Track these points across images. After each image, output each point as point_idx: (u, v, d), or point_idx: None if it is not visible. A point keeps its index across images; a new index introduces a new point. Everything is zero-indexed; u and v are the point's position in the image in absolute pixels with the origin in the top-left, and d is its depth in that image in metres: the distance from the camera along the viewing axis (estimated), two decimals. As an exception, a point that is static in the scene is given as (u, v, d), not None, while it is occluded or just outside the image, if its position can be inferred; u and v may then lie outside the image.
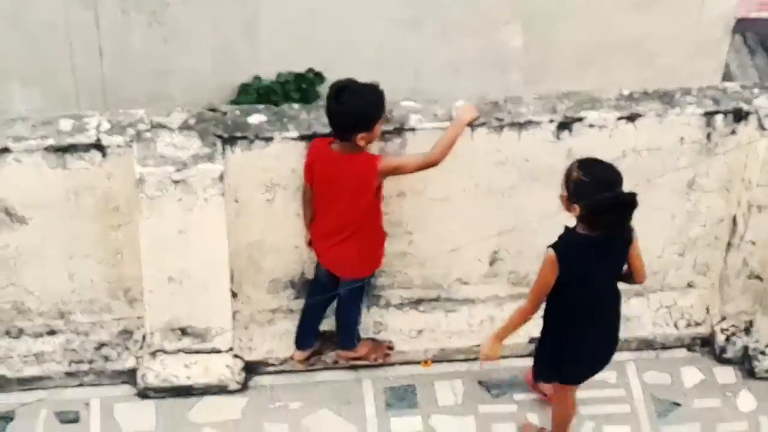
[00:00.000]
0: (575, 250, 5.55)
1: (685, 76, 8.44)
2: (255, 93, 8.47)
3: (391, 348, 6.55)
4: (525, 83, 8.54)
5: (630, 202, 5.43)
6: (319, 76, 8.52)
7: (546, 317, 5.82)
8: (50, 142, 5.93)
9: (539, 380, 6.33)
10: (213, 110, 6.15)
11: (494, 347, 5.86)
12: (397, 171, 5.94)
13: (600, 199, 5.41)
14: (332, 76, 8.44)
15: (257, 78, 8.47)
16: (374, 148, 6.06)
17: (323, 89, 8.49)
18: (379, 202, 6.05)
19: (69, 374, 6.41)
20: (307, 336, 6.47)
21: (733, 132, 6.25)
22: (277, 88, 8.49)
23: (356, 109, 5.80)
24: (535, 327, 6.62)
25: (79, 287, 6.39)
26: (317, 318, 6.44)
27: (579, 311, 5.68)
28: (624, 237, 5.63)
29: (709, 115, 6.22)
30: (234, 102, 8.36)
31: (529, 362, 6.56)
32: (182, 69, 8.37)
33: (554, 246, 5.57)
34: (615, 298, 5.79)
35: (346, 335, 6.42)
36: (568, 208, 5.53)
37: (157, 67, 8.35)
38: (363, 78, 8.32)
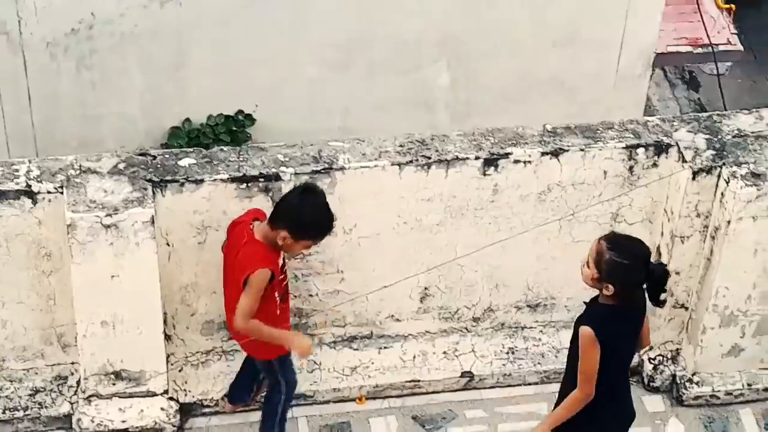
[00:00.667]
0: (610, 325, 5.48)
1: (607, 109, 8.63)
2: (185, 136, 8.53)
3: None
4: (451, 120, 8.67)
5: (664, 273, 5.47)
6: (249, 118, 8.60)
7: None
8: (-20, 189, 5.95)
9: None
10: (143, 154, 6.20)
11: None
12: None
13: (640, 278, 5.41)
14: (262, 117, 8.58)
15: (187, 120, 8.54)
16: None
17: (253, 131, 8.58)
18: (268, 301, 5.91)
19: (3, 422, 6.38)
20: (239, 391, 6.48)
21: (655, 164, 6.40)
22: (207, 131, 8.55)
23: (306, 210, 5.77)
24: (465, 361, 6.74)
25: (12, 334, 6.38)
26: (251, 379, 6.44)
27: (616, 385, 5.64)
28: (643, 306, 5.64)
29: (631, 148, 6.36)
30: (165, 145, 8.41)
31: (462, 396, 6.67)
32: (112, 113, 8.42)
33: (590, 323, 5.46)
34: None
35: (262, 424, 6.37)
36: (598, 286, 5.46)
37: (86, 113, 8.38)
38: (291, 117, 8.48)
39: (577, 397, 5.55)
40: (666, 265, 5.53)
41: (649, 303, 5.55)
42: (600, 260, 5.41)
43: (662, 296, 5.47)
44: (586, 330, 5.45)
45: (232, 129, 8.58)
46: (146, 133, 8.57)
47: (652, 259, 6.38)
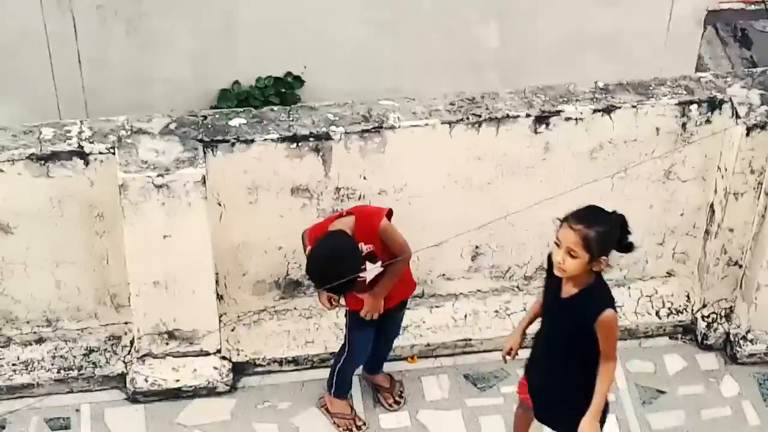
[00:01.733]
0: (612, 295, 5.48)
1: (658, 68, 8.52)
2: (234, 98, 8.53)
3: (360, 427, 6.44)
4: (501, 81, 8.61)
5: (623, 218, 5.43)
6: (298, 80, 8.58)
7: (585, 371, 5.50)
8: (32, 150, 5.98)
9: None
10: (194, 115, 6.21)
11: (592, 426, 5.50)
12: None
13: (617, 236, 5.38)
14: (311, 79, 8.55)
15: (236, 83, 8.54)
16: (354, 146, 6.13)
17: (302, 92, 8.56)
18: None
19: (58, 381, 6.45)
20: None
21: (708, 121, 6.34)
22: (256, 93, 8.55)
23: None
24: (516, 320, 6.72)
25: (66, 294, 6.44)
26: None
27: None
28: None
29: (684, 105, 6.30)
30: (214, 107, 8.42)
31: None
32: (161, 77, 8.42)
33: (611, 305, 5.38)
34: None
35: (330, 375, 6.41)
36: (590, 269, 5.35)
37: (136, 76, 8.40)
38: (340, 78, 8.45)
39: (612, 368, 5.45)
40: (618, 212, 5.43)
41: None
42: (587, 242, 5.27)
43: (629, 239, 5.41)
44: (611, 314, 5.35)
45: (281, 91, 8.57)
46: (195, 96, 8.57)
47: (704, 215, 6.38)
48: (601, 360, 5.41)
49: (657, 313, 6.83)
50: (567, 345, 5.49)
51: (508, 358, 5.77)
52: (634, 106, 6.27)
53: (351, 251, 5.70)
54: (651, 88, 6.35)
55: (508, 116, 6.24)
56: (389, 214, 5.94)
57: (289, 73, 8.57)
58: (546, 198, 6.28)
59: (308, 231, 5.95)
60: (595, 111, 6.27)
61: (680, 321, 6.81)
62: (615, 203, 6.43)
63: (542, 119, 6.25)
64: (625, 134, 6.33)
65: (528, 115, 6.24)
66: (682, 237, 6.75)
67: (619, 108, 6.28)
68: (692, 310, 6.81)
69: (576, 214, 5.35)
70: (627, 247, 5.43)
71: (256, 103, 8.42)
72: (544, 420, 5.84)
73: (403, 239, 5.89)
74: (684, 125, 6.34)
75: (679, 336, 6.85)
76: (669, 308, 6.84)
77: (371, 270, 5.89)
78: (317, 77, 8.57)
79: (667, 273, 6.89)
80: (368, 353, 6.25)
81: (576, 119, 6.27)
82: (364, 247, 5.81)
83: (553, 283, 5.51)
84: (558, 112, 6.26)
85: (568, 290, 5.42)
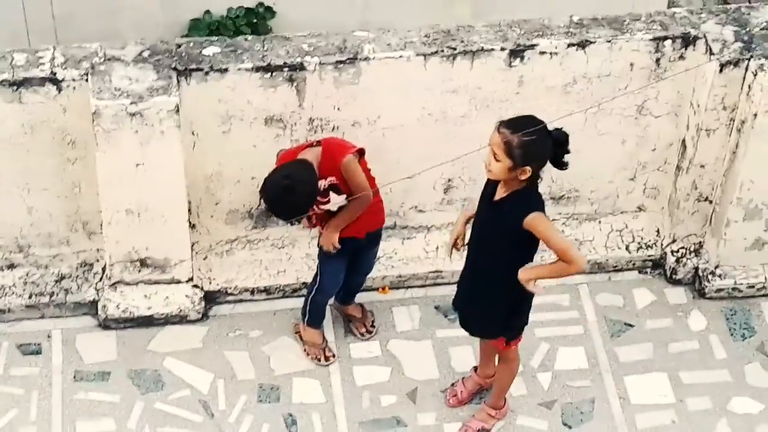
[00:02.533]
0: (542, 203, 5.54)
1: (631, 6, 8.52)
2: (206, 28, 8.46)
3: (328, 358, 6.47)
4: (473, 15, 8.58)
5: (566, 135, 5.45)
6: (269, 10, 8.52)
7: (506, 277, 5.57)
8: (5, 76, 5.94)
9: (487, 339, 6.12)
10: (167, 44, 6.17)
11: (528, 275, 5.55)
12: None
13: (548, 149, 5.40)
14: (282, 10, 8.50)
15: (207, 13, 8.47)
16: (328, 77, 6.12)
17: (274, 23, 8.51)
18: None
19: (30, 307, 6.46)
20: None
21: (682, 57, 6.35)
22: (227, 23, 8.49)
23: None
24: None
25: (38, 221, 6.42)
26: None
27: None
28: None
29: (658, 40, 6.31)
30: (185, 38, 8.34)
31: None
32: (131, 6, 8.35)
33: (537, 209, 5.45)
34: None
35: (303, 304, 6.45)
36: (512, 175, 5.39)
37: (106, 5, 8.31)
38: (312, 10, 8.40)
39: (566, 268, 5.49)
40: (562, 129, 5.46)
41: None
42: (509, 148, 5.33)
43: (565, 158, 5.45)
44: (537, 215, 5.43)
45: (253, 21, 8.51)
46: (166, 25, 8.50)
47: (676, 151, 6.41)
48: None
49: (627, 248, 6.88)
50: (492, 248, 5.60)
51: (454, 251, 5.82)
52: (608, 41, 6.27)
53: (304, 184, 5.72)
54: (626, 23, 6.35)
55: (482, 49, 6.23)
56: (361, 152, 5.95)
57: (260, 4, 8.50)
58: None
59: (281, 154, 6.00)
60: (569, 45, 6.27)
61: (649, 255, 6.87)
62: (588, 138, 6.53)
63: (517, 53, 6.25)
64: (599, 69, 6.34)
65: (503, 49, 6.23)
66: (654, 172, 6.78)
67: (594, 43, 6.28)
68: (662, 244, 6.87)
69: (509, 120, 5.45)
70: (560, 165, 5.48)
71: (227, 34, 8.35)
72: (465, 326, 5.98)
73: (362, 180, 5.89)
74: (658, 61, 6.35)
75: (648, 270, 6.90)
76: (639, 243, 6.89)
77: (335, 201, 5.91)
78: (289, 8, 8.51)
79: (638, 208, 6.93)
80: (339, 285, 6.29)
81: (551, 53, 6.27)
82: (327, 180, 5.84)
83: (488, 187, 5.61)
84: (533, 46, 6.25)
85: (500, 194, 5.53)
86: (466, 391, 6.32)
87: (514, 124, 5.38)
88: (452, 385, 6.37)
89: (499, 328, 5.85)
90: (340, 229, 6.01)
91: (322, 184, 5.85)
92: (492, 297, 5.73)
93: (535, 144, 5.34)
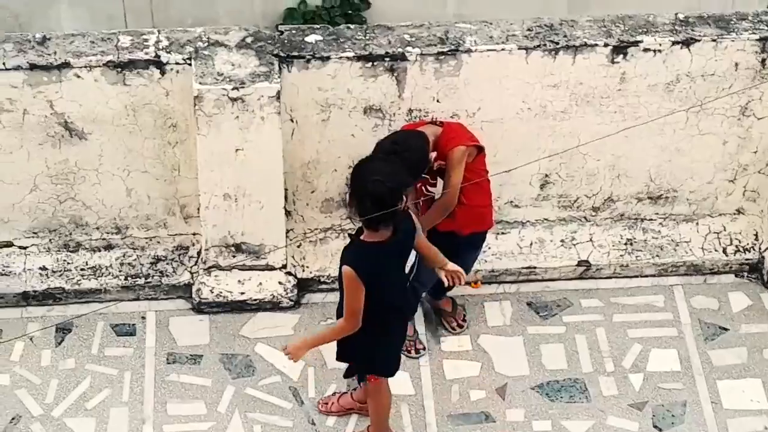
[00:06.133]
0: (371, 261, 5.38)
1: (733, 5, 8.43)
2: (300, 18, 8.50)
3: (418, 350, 6.44)
4: (569, 11, 8.52)
5: (381, 189, 5.22)
6: (364, 1, 8.55)
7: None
8: (110, 57, 5.99)
9: (357, 379, 6.07)
10: (270, 30, 6.19)
11: (296, 348, 5.58)
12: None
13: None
14: (377, 1, 8.50)
15: (303, 2, 8.51)
16: (429, 68, 6.10)
17: (369, 14, 8.52)
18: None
19: (125, 288, 6.52)
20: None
21: (788, 58, 6.27)
22: (322, 13, 8.53)
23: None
24: (582, 250, 6.73)
25: (136, 203, 6.48)
26: None
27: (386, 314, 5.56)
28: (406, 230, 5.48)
29: (765, 40, 6.21)
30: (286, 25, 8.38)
31: (578, 285, 6.68)
32: (228, -7, 8.42)
33: (352, 263, 5.34)
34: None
35: None
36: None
37: (203, -9, 8.40)
38: (407, 2, 8.39)
39: (342, 326, 5.46)
40: (380, 180, 5.18)
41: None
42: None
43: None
44: (344, 270, 5.32)
45: (347, 12, 8.54)
46: (262, 13, 8.56)
47: None
48: None
49: (724, 251, 6.79)
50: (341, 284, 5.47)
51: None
52: (714, 40, 6.19)
53: (412, 151, 5.66)
54: (732, 22, 6.27)
55: (585, 45, 6.18)
56: (479, 148, 5.90)
57: (356, -6, 8.54)
58: (620, 129, 6.26)
59: (402, 128, 6.01)
60: (674, 43, 6.19)
61: (747, 259, 6.78)
62: (689, 137, 6.46)
63: (620, 49, 6.19)
64: (703, 68, 6.26)
65: (606, 45, 6.18)
66: (754, 175, 6.69)
67: (699, 41, 6.20)
68: (760, 248, 6.77)
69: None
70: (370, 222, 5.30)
71: (321, 24, 8.38)
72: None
73: (457, 180, 5.82)
74: (764, 61, 6.26)
75: (745, 274, 6.81)
76: (736, 246, 6.80)
77: (439, 188, 5.90)
78: (384, 0, 8.53)
79: (737, 210, 6.84)
80: (436, 278, 6.25)
81: (654, 51, 6.20)
82: (438, 163, 5.82)
83: None
84: (636, 43, 6.19)
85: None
86: (337, 404, 6.20)
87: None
88: (333, 394, 6.26)
89: (360, 360, 5.74)
90: (425, 229, 5.97)
91: (434, 165, 5.82)
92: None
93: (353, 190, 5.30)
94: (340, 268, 5.38)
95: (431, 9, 8.47)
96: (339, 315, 5.60)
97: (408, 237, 5.48)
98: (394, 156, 5.58)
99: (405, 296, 5.67)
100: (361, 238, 5.40)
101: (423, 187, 5.98)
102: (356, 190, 5.27)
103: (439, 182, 5.90)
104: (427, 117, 6.23)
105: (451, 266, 5.62)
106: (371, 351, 5.63)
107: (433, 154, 5.79)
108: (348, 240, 5.49)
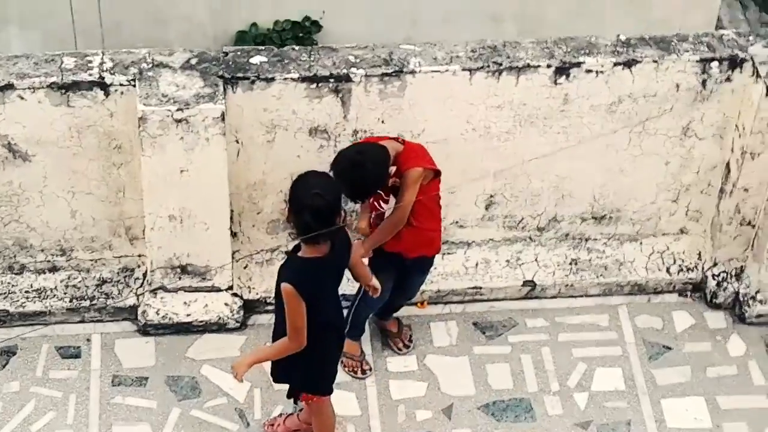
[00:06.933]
0: (309, 278, 5.39)
1: (677, 29, 8.51)
2: (252, 41, 8.51)
3: (365, 371, 6.45)
4: (519, 34, 8.59)
5: (318, 203, 5.26)
6: (315, 24, 8.57)
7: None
8: (53, 79, 5.98)
9: (294, 398, 5.98)
10: (214, 52, 6.20)
11: (240, 365, 5.56)
12: None
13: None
14: (329, 25, 8.54)
15: (254, 25, 8.52)
16: (374, 89, 6.14)
17: (319, 38, 8.54)
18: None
19: (70, 310, 6.49)
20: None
21: (728, 79, 6.33)
22: (273, 36, 8.54)
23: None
24: (527, 270, 6.77)
25: (81, 225, 6.46)
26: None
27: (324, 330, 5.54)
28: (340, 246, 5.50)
29: (705, 61, 6.29)
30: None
31: (524, 305, 6.71)
32: (179, 16, 8.41)
33: (291, 279, 5.35)
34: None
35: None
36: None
37: (154, 14, 8.38)
38: (358, 26, 8.43)
39: (287, 346, 5.45)
40: (319, 194, 5.23)
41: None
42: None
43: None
44: (284, 288, 5.32)
45: (299, 35, 8.56)
46: (213, 36, 8.56)
47: (720, 173, 6.36)
48: None
49: (668, 270, 6.85)
50: (279, 302, 5.47)
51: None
52: (655, 61, 6.26)
53: (375, 164, 5.70)
54: (673, 43, 6.34)
55: (528, 66, 6.23)
56: (436, 173, 5.93)
57: (307, 18, 8.55)
58: (562, 148, 6.31)
59: (363, 140, 6.07)
60: (615, 64, 6.26)
61: (690, 278, 6.84)
62: (631, 158, 6.52)
63: (563, 70, 6.25)
64: (645, 89, 6.33)
65: (549, 66, 6.23)
66: (697, 195, 6.76)
67: (640, 62, 6.27)
68: (703, 268, 6.84)
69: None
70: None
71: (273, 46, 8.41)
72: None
73: (410, 199, 5.85)
74: (704, 82, 6.34)
75: (689, 293, 6.87)
76: (680, 265, 6.86)
77: (390, 206, 5.93)
78: (335, 23, 8.56)
79: (680, 230, 6.91)
80: (385, 299, 6.27)
81: (596, 72, 6.26)
82: (394, 180, 5.85)
83: None
84: (579, 64, 6.25)
85: None
86: (283, 426, 6.18)
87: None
88: (279, 415, 6.25)
89: (297, 383, 5.74)
90: (374, 246, 6.02)
91: (389, 181, 5.85)
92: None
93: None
94: (278, 285, 5.37)
95: (384, 33, 8.50)
96: (275, 332, 5.60)
97: (345, 252, 5.50)
98: (357, 166, 5.64)
99: (341, 314, 5.69)
100: (299, 254, 5.40)
101: (376, 203, 6.01)
102: (295, 204, 5.28)
103: (392, 200, 5.92)
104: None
105: (374, 282, 5.76)
106: (309, 370, 5.62)
107: (393, 169, 5.82)
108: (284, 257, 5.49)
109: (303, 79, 6.11)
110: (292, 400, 6.04)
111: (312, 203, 5.21)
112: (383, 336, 6.59)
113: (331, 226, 5.23)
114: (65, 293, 6.52)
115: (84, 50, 6.33)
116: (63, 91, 5.99)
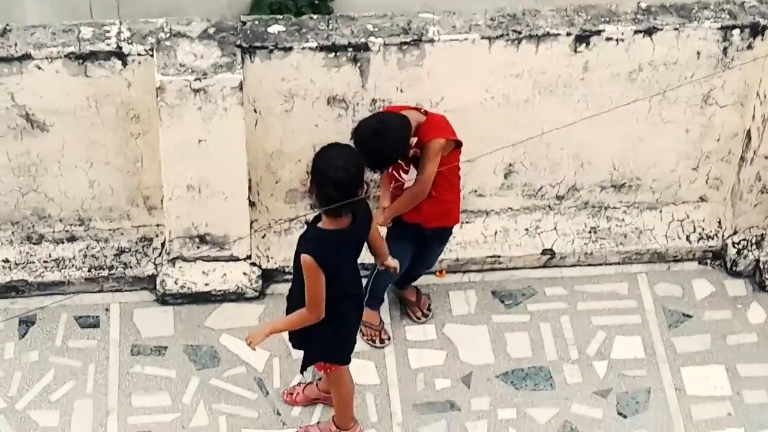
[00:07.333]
0: (330, 249, 5.39)
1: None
2: (267, 8, 8.45)
3: (383, 340, 6.46)
4: (538, 1, 8.50)
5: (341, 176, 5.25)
6: (331, -8, 8.52)
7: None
8: (71, 49, 5.96)
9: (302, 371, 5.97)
10: (232, 21, 6.17)
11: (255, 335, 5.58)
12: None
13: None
14: (345, -8, 8.48)
15: (269, -8, 8.47)
16: (392, 58, 6.10)
17: (335, 5, 8.49)
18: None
19: (89, 280, 6.50)
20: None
21: (750, 47, 6.28)
22: (289, 3, 8.47)
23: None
24: (546, 239, 6.76)
25: (99, 194, 6.46)
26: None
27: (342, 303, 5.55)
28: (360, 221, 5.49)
29: (726, 29, 6.24)
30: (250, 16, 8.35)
31: (542, 273, 6.70)
32: (194, -18, 8.37)
33: (310, 251, 5.34)
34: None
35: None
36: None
37: (169, -19, 8.34)
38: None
39: (305, 317, 5.44)
40: (343, 167, 5.21)
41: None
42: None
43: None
44: (304, 259, 5.30)
45: (314, 2, 8.50)
46: (228, 4, 8.51)
47: (741, 141, 6.32)
48: None
49: (687, 238, 6.82)
50: (298, 274, 5.45)
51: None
52: (676, 29, 6.21)
53: (395, 132, 5.67)
54: (694, 11, 6.29)
55: (548, 34, 6.18)
56: (457, 143, 5.91)
57: (323, -16, 8.50)
58: (582, 118, 6.27)
59: (384, 109, 6.04)
60: (636, 32, 6.21)
61: (710, 246, 6.81)
62: (651, 126, 6.48)
63: (582, 38, 6.20)
64: (666, 57, 6.28)
65: (569, 34, 6.19)
66: (717, 163, 6.72)
67: (661, 30, 6.22)
68: (723, 236, 6.81)
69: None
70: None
71: (288, 13, 8.35)
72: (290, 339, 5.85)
73: (431, 171, 5.82)
74: (725, 50, 6.29)
75: (709, 261, 6.85)
76: (700, 233, 6.84)
77: (411, 177, 5.91)
78: (351, -9, 8.51)
79: (700, 198, 6.87)
80: (404, 269, 6.25)
81: (617, 40, 6.21)
82: (415, 150, 5.82)
83: None
84: (599, 32, 6.20)
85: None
86: (302, 395, 6.21)
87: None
88: (298, 384, 6.26)
89: (315, 353, 5.73)
90: (391, 216, 6.01)
91: (410, 152, 5.82)
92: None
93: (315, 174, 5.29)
94: (297, 255, 5.36)
95: (399, 1, 8.45)
96: (289, 302, 5.60)
97: (365, 225, 5.49)
98: (378, 135, 5.62)
99: (360, 284, 5.68)
100: (319, 225, 5.39)
101: (395, 173, 5.99)
102: (318, 175, 5.26)
103: (412, 170, 5.90)
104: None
105: (390, 261, 5.72)
106: (328, 339, 5.62)
107: (414, 140, 5.79)
108: (305, 227, 5.48)
109: (321, 48, 6.08)
110: (313, 370, 6.05)
111: (335, 175, 5.19)
112: (402, 305, 6.59)
113: (353, 198, 5.21)
114: (84, 263, 6.53)
115: (101, 20, 6.31)
116: (80, 61, 5.97)
